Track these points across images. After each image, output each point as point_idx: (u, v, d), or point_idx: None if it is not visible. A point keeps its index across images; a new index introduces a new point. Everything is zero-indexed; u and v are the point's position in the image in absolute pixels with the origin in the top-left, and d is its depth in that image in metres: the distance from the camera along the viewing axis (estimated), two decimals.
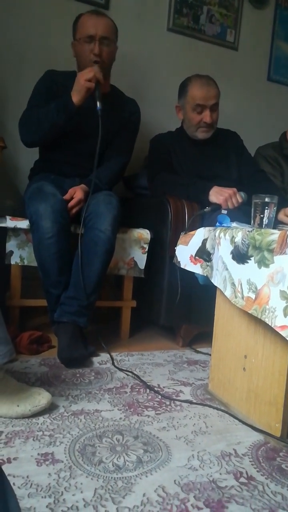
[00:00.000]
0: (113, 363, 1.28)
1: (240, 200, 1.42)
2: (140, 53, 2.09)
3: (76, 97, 1.37)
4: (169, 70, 2.13)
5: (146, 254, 1.54)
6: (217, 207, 1.40)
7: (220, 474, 0.78)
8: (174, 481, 0.75)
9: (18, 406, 0.90)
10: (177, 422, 0.96)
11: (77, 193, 1.41)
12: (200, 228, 1.18)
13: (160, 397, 1.09)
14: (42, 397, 0.93)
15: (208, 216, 1.41)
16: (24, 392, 0.93)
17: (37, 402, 0.91)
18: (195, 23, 2.18)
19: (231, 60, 2.32)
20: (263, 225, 1.08)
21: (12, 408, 0.90)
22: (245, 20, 2.32)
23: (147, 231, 1.55)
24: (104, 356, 1.35)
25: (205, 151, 1.68)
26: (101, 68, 1.42)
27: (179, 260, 1.25)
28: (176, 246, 1.29)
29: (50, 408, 0.96)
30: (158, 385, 1.16)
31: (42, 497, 0.68)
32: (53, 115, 1.39)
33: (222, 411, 1.03)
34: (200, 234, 1.16)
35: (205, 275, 1.13)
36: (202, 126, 1.62)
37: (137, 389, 1.13)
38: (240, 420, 0.99)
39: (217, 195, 1.42)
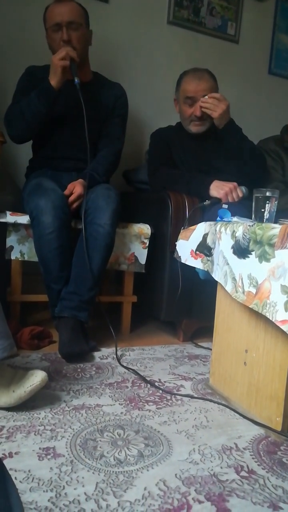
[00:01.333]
0: (118, 360, 1.28)
1: (240, 194, 1.42)
2: (140, 46, 2.07)
3: (53, 79, 1.37)
4: (169, 63, 2.11)
5: (146, 249, 1.54)
6: (217, 201, 1.40)
7: (221, 468, 0.78)
8: (175, 475, 0.75)
9: (14, 391, 0.90)
10: (178, 417, 0.97)
11: (76, 188, 1.40)
12: (201, 223, 1.18)
13: (161, 391, 1.09)
14: (35, 376, 0.91)
15: (208, 210, 1.41)
16: (19, 377, 0.92)
17: (30, 382, 0.90)
18: (195, 16, 2.16)
19: (232, 53, 2.30)
20: (264, 220, 1.07)
21: (9, 395, 0.89)
22: (246, 12, 2.29)
23: (148, 226, 1.55)
24: (105, 351, 1.35)
25: (205, 144, 1.67)
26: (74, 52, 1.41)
27: (179, 255, 1.25)
28: (176, 241, 1.29)
29: (51, 403, 0.97)
30: (159, 379, 1.17)
31: (43, 491, 0.69)
32: (35, 103, 1.39)
33: (223, 405, 1.03)
34: (201, 228, 1.16)
35: (206, 270, 1.12)
36: (193, 120, 1.60)
37: (138, 384, 1.13)
38: (241, 414, 0.99)
39: (218, 189, 1.41)
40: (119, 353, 1.35)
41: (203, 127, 1.62)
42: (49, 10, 1.47)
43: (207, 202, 1.40)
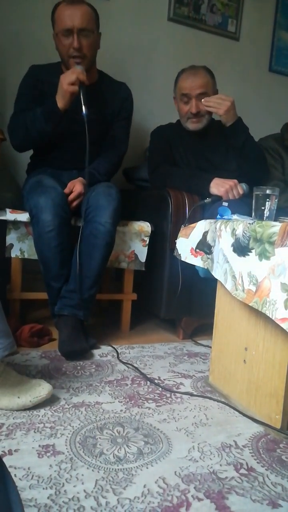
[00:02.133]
0: (117, 357, 1.28)
1: (241, 191, 1.41)
2: (141, 43, 2.06)
3: (61, 102, 1.35)
4: (170, 61, 2.10)
5: (146, 247, 1.54)
6: (217, 199, 1.39)
7: (221, 465, 0.79)
8: (175, 472, 0.75)
9: (18, 397, 0.91)
10: (178, 414, 0.97)
11: (76, 186, 1.40)
12: (201, 221, 1.17)
13: (160, 389, 1.09)
14: (42, 388, 0.93)
15: (208, 208, 1.40)
16: (25, 384, 0.93)
17: (37, 393, 0.92)
18: (196, 13, 2.15)
19: (233, 50, 2.30)
20: (264, 218, 1.07)
21: (13, 400, 0.90)
22: (246, 10, 2.28)
23: (148, 224, 1.54)
24: (105, 349, 1.35)
25: (204, 142, 1.66)
26: (83, 63, 1.39)
27: (179, 252, 1.25)
28: (176, 239, 1.29)
29: (51, 400, 0.96)
30: (159, 377, 1.17)
31: (43, 488, 0.69)
32: (41, 122, 1.38)
33: (223, 403, 1.04)
34: (201, 226, 1.16)
35: (206, 267, 1.12)
36: (190, 117, 1.59)
37: (138, 381, 1.13)
38: (240, 412, 0.99)
39: (218, 186, 1.41)
40: (119, 350, 1.35)
41: (200, 124, 1.61)
42: (59, 11, 1.39)
43: (207, 200, 1.40)
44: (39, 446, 0.80)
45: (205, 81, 1.57)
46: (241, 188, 1.42)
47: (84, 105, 1.31)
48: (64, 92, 1.33)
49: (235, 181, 1.42)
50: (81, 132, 1.30)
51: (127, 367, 1.22)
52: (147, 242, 1.54)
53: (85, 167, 1.35)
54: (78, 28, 1.36)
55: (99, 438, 0.84)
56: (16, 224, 1.43)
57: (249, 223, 0.93)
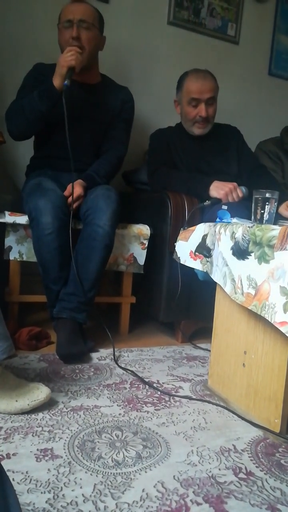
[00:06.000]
0: (115, 361, 1.28)
1: (240, 194, 1.42)
2: (140, 47, 2.07)
3: (57, 80, 1.35)
4: (169, 64, 2.11)
5: (145, 250, 1.54)
6: (217, 201, 1.39)
7: (219, 469, 0.78)
8: (173, 476, 0.75)
9: (16, 401, 0.90)
10: (176, 418, 0.96)
11: (76, 188, 1.40)
12: (200, 224, 1.17)
13: (159, 393, 1.09)
14: (40, 392, 0.93)
15: (207, 211, 1.41)
16: (23, 387, 0.93)
17: (35, 396, 0.91)
18: (195, 17, 2.16)
19: (232, 54, 2.30)
20: (264, 221, 1.07)
21: (11, 404, 0.90)
22: (246, 13, 2.29)
23: (147, 227, 1.54)
24: (103, 352, 1.35)
25: (205, 146, 1.67)
26: (82, 54, 1.39)
27: (178, 256, 1.25)
28: (175, 242, 1.29)
29: (49, 404, 0.96)
30: (158, 381, 1.16)
31: (41, 492, 0.68)
32: (36, 102, 1.38)
33: (222, 407, 1.03)
34: (200, 229, 1.16)
35: (205, 271, 1.12)
36: (198, 121, 1.60)
37: (137, 385, 1.12)
38: (239, 416, 0.99)
39: (218, 189, 1.41)
40: (117, 354, 1.34)
41: (206, 129, 1.62)
42: (64, 8, 1.47)
43: (207, 202, 1.40)
44: (37, 450, 0.80)
45: (214, 85, 1.59)
46: (241, 191, 1.42)
47: (67, 78, 1.32)
48: (61, 68, 1.34)
49: (235, 184, 1.42)
50: (80, 130, 1.30)
51: (125, 371, 1.21)
52: (146, 245, 1.54)
53: (89, 160, 1.35)
54: (78, 19, 1.41)
55: (98, 442, 0.84)
56: (15, 226, 1.43)
57: (248, 227, 0.93)
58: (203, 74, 1.59)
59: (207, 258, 1.11)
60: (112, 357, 1.30)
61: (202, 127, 1.61)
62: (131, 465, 0.77)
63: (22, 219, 1.40)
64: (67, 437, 0.85)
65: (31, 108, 1.39)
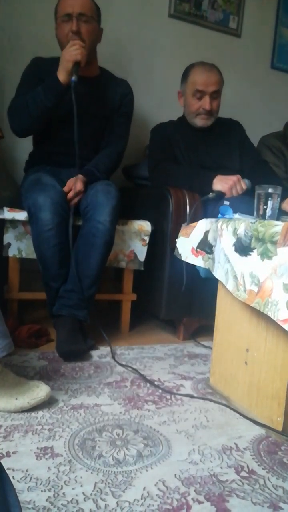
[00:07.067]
0: (113, 358, 1.27)
1: (244, 187, 1.41)
2: (141, 40, 2.04)
3: (62, 75, 1.33)
4: (170, 57, 2.09)
5: (146, 246, 1.52)
6: (221, 195, 1.38)
7: (221, 468, 0.78)
8: (175, 475, 0.74)
9: (16, 399, 0.89)
10: (178, 416, 0.96)
11: (76, 184, 1.38)
12: (202, 220, 1.16)
13: (160, 391, 1.08)
14: (40, 390, 0.92)
15: (210, 205, 1.39)
16: (23, 385, 0.92)
17: (35, 394, 0.91)
18: (197, 9, 2.13)
19: (234, 47, 2.28)
20: (266, 217, 1.06)
21: (11, 402, 0.89)
22: (248, 6, 2.26)
23: (148, 223, 1.53)
24: (103, 350, 1.34)
25: (207, 140, 1.65)
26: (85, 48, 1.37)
27: (180, 252, 1.23)
28: (177, 238, 1.27)
29: (49, 402, 0.95)
30: (159, 379, 1.16)
31: (41, 490, 0.68)
32: (41, 98, 1.36)
33: (223, 405, 1.02)
34: (202, 225, 1.14)
35: (207, 267, 1.11)
36: (201, 113, 1.58)
37: (137, 383, 1.12)
38: (241, 414, 0.98)
39: (222, 183, 1.40)
40: (118, 351, 1.34)
41: (209, 121, 1.61)
42: (61, 1, 1.44)
43: (212, 194, 1.38)
44: (37, 448, 0.79)
45: (219, 79, 1.58)
46: (244, 183, 1.41)
47: (75, 73, 1.31)
48: (66, 62, 1.32)
49: (238, 176, 1.41)
50: (81, 125, 1.28)
51: (126, 369, 1.20)
52: (147, 242, 1.52)
53: (88, 156, 1.34)
54: (77, 12, 1.39)
55: (98, 440, 0.83)
56: (14, 223, 1.41)
57: (251, 222, 0.92)
58: (209, 67, 1.58)
59: (209, 255, 1.10)
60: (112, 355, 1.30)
61: (206, 119, 1.60)
62: (132, 464, 0.76)
63: (21, 215, 1.38)
64: (67, 436, 0.84)
65: (36, 105, 1.37)
